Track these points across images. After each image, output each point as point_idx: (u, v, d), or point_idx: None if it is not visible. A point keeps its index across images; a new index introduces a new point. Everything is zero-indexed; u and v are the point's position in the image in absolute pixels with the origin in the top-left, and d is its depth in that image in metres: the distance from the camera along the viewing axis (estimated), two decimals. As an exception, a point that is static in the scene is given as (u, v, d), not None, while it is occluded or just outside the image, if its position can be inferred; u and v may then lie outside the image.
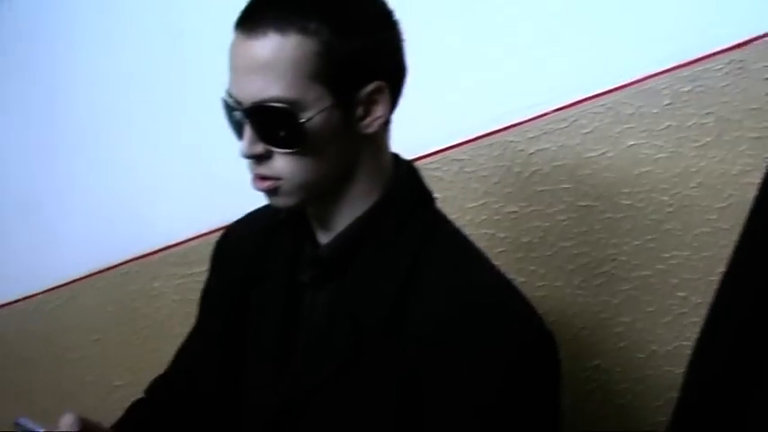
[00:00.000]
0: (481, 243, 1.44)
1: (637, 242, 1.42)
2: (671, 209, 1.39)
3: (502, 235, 1.48)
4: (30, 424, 0.95)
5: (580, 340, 1.48)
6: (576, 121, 1.41)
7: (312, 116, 0.87)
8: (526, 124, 1.43)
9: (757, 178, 0.78)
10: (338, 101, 0.89)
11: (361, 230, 0.96)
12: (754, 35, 1.30)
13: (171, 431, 1.13)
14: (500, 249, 1.47)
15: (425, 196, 1.02)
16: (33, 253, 1.93)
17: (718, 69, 1.32)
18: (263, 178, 0.92)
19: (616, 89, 1.38)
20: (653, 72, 1.36)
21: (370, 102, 0.91)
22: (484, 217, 1.48)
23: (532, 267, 1.48)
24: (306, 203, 0.96)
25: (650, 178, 1.39)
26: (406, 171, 1.00)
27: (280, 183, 0.92)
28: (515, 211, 1.46)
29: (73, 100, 1.82)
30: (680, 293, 1.41)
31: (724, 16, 1.33)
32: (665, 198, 1.39)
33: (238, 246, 1.13)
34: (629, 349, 1.46)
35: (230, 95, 0.91)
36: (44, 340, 1.95)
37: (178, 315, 1.75)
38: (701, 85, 1.33)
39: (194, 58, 1.65)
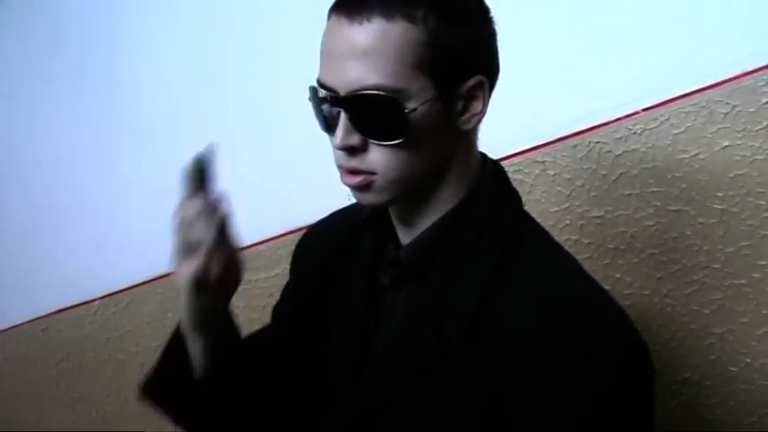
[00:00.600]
0: None
1: (730, 249, 1.34)
2: (768, 214, 1.31)
3: (586, 241, 1.41)
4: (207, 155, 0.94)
5: (668, 352, 1.41)
6: (666, 120, 1.34)
7: (416, 107, 0.84)
8: (613, 124, 1.37)
9: None
10: (440, 93, 0.85)
11: (443, 231, 0.92)
12: None
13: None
14: (585, 256, 1.41)
15: (512, 197, 0.98)
16: (92, 257, 1.92)
17: (823, 65, 1.25)
18: (355, 172, 0.88)
19: (710, 87, 1.31)
20: (750, 68, 1.29)
21: (470, 97, 0.88)
22: (567, 222, 1.42)
23: (618, 275, 1.41)
24: (395, 202, 0.92)
25: (746, 181, 1.31)
26: (492, 171, 0.97)
27: (373, 178, 0.88)
28: (601, 216, 1.40)
29: (134, 100, 1.80)
30: (777, 304, 1.33)
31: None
32: (762, 203, 1.31)
33: (319, 244, 1.11)
34: (720, 362, 1.39)
35: (322, 84, 0.87)
36: (104, 346, 1.93)
37: (242, 322, 1.70)
38: (803, 83, 1.26)
39: (266, 54, 1.62)
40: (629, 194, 1.38)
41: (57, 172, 1.91)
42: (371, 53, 0.82)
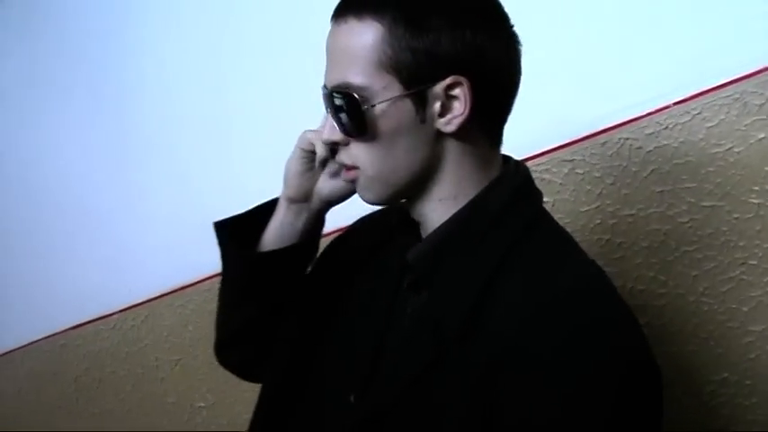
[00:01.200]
0: (596, 249, 1.38)
1: (768, 244, 1.31)
2: (807, 207, 1.28)
3: (618, 240, 1.38)
4: None
5: (705, 352, 1.38)
6: (699, 114, 1.30)
7: (375, 104, 0.86)
8: (643, 119, 1.33)
9: None
10: (409, 92, 0.86)
11: (449, 233, 0.91)
12: None
13: None
14: (617, 255, 1.37)
15: (529, 198, 0.95)
16: (109, 271, 1.89)
17: None
18: (346, 167, 0.94)
19: (744, 77, 1.27)
20: (785, 58, 1.25)
21: (448, 98, 0.87)
22: (598, 221, 1.38)
23: (652, 274, 1.37)
24: (390, 200, 0.94)
25: (783, 175, 1.28)
26: (511, 172, 0.94)
27: (358, 173, 0.92)
28: (633, 214, 1.36)
29: (148, 114, 1.78)
30: (818, 299, 1.29)
31: None
32: (800, 196, 1.28)
33: (356, 243, 1.11)
34: (760, 360, 1.35)
35: (325, 84, 0.92)
36: (123, 360, 1.90)
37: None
38: (840, 71, 1.23)
39: (278, 60, 1.59)
40: (662, 191, 1.34)
41: (70, 186, 1.90)
42: (345, 52, 0.87)
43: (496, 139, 0.93)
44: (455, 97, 0.86)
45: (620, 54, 1.34)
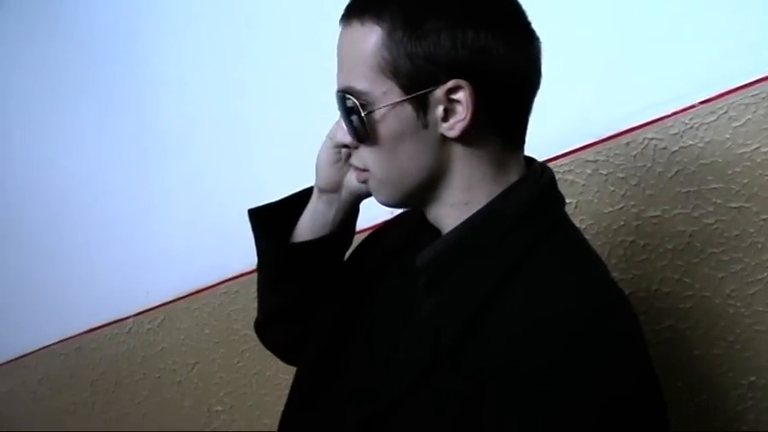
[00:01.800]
0: (620, 251, 1.36)
1: (796, 246, 1.28)
2: (836, 208, 1.25)
3: (642, 242, 1.35)
4: None
5: (732, 355, 1.35)
6: (725, 113, 1.28)
7: (376, 110, 0.85)
8: (668, 119, 1.31)
9: None
10: (408, 97, 0.84)
11: (460, 239, 0.88)
12: None
13: None
14: (641, 258, 1.35)
15: (550, 204, 0.91)
16: (124, 274, 1.88)
17: None
18: (357, 169, 0.94)
19: (771, 76, 1.25)
20: (812, 56, 1.23)
21: (450, 102, 0.84)
22: (622, 223, 1.36)
23: (677, 276, 1.35)
24: (400, 203, 0.94)
25: (811, 174, 1.26)
26: (532, 177, 0.90)
27: (368, 175, 0.92)
28: (658, 216, 1.34)
29: (163, 119, 1.77)
30: None
31: None
32: (829, 196, 1.25)
33: (389, 238, 1.10)
34: (788, 364, 1.33)
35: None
36: (139, 364, 1.89)
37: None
38: None
39: (294, 63, 1.58)
40: (687, 192, 1.32)
41: (85, 189, 1.89)
42: (348, 56, 0.87)
43: (513, 141, 0.90)
44: (457, 101, 0.83)
45: (644, 52, 1.32)
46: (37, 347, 1.99)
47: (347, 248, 1.09)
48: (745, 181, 1.29)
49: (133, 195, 1.83)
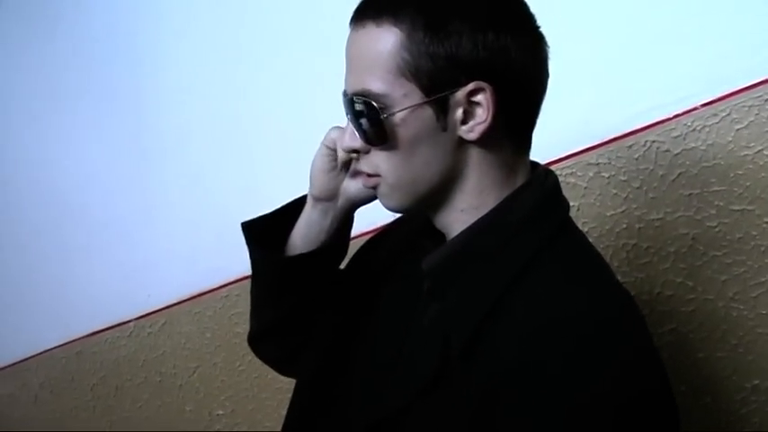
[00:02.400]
0: (622, 254, 1.36)
1: (799, 248, 1.28)
2: (839, 211, 1.25)
3: (645, 245, 1.35)
4: None
5: (735, 358, 1.35)
6: (727, 115, 1.28)
7: (395, 112, 0.84)
8: (671, 122, 1.31)
9: None
10: (429, 100, 0.83)
11: (466, 244, 0.88)
12: None
13: None
14: (644, 260, 1.35)
15: (554, 209, 0.91)
16: (125, 278, 1.87)
17: None
18: (366, 175, 0.92)
19: (773, 78, 1.25)
20: (815, 58, 1.23)
21: (470, 104, 0.84)
22: (624, 226, 1.36)
23: (680, 279, 1.35)
24: (411, 209, 0.92)
25: (814, 177, 1.25)
26: (537, 182, 0.90)
27: (379, 180, 0.90)
28: (660, 218, 1.34)
29: (163, 121, 1.76)
30: None
31: None
32: (832, 199, 1.25)
33: (388, 243, 1.10)
34: (791, 367, 1.33)
35: (345, 90, 0.90)
36: (140, 368, 1.89)
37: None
38: None
39: (297, 66, 1.57)
40: (690, 195, 1.31)
41: (86, 192, 1.88)
42: (363, 58, 0.85)
43: (523, 145, 0.90)
44: (478, 104, 0.83)
45: (646, 55, 1.31)
46: (38, 351, 1.98)
47: (342, 259, 1.08)
48: (748, 183, 1.28)
49: (133, 197, 1.82)
